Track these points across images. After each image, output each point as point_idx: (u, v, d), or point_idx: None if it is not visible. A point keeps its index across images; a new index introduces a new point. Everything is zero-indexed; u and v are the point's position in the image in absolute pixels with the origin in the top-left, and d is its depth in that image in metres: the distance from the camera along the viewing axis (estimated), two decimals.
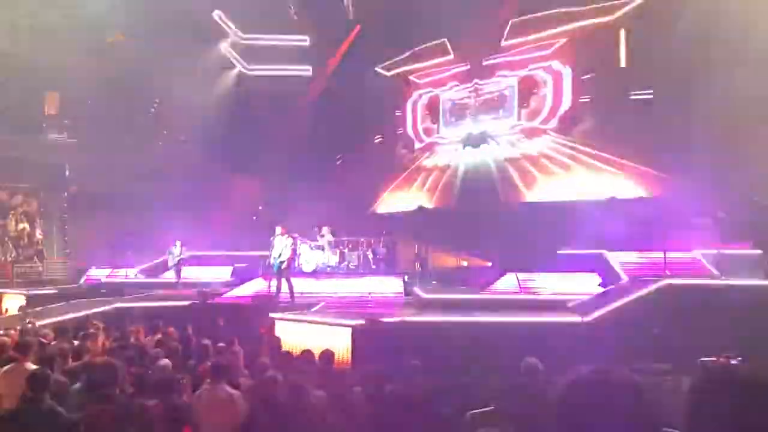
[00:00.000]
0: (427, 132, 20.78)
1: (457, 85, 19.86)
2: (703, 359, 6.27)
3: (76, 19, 16.19)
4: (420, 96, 21.13)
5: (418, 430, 4.73)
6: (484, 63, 19.05)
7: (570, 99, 17.11)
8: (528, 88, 18.17)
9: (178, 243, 15.78)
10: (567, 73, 17.26)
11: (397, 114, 21.64)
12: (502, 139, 18.45)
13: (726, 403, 1.54)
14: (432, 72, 20.24)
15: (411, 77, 20.69)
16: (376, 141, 21.28)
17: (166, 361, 5.57)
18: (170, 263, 15.87)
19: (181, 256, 15.68)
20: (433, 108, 20.70)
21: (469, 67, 19.40)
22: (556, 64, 17.48)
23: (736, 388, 1.55)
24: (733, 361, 6.03)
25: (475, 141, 19.10)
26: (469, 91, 19.53)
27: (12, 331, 7.56)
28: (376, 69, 20.53)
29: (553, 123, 17.38)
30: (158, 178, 17.40)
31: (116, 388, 4.52)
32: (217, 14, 19.99)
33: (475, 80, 19.39)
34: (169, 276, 15.65)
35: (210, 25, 19.79)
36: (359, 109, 19.63)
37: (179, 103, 18.02)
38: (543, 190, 16.75)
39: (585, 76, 16.52)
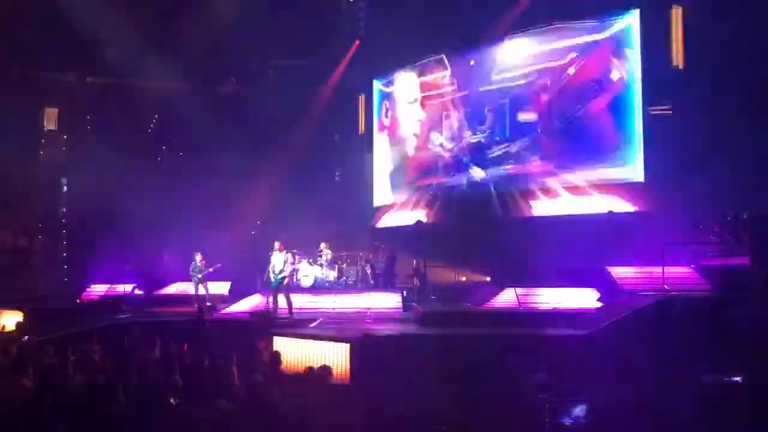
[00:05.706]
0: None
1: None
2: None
3: None
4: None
5: None
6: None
7: None
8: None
9: (198, 256, 14.01)
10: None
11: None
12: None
13: None
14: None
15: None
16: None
17: None
18: (194, 279, 14.07)
19: (206, 270, 13.94)
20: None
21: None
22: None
23: None
24: (735, 379, 5.99)
25: None
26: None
27: (9, 348, 7.48)
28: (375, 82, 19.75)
29: None
30: (158, 194, 17.35)
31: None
32: None
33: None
34: (172, 290, 15.23)
35: None
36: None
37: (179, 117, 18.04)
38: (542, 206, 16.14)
39: None
